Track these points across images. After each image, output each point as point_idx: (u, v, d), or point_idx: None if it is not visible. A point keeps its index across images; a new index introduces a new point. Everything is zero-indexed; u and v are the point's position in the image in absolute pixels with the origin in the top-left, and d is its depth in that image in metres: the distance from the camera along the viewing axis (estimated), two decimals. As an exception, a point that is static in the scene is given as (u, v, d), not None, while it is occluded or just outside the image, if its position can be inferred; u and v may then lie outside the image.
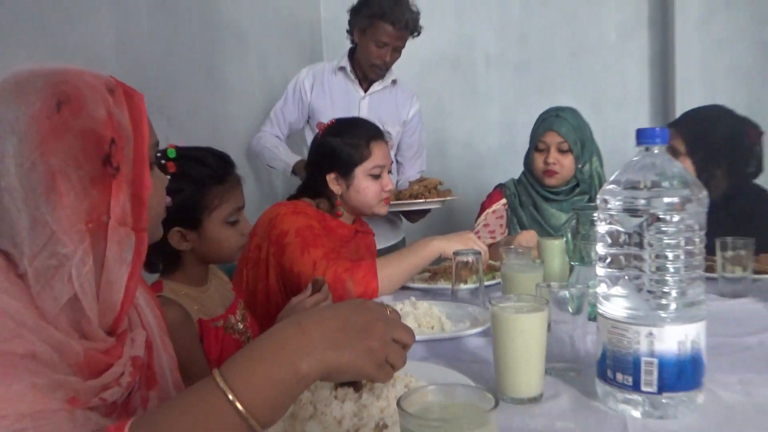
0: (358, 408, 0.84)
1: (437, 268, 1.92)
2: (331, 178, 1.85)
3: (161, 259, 1.45)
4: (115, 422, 0.77)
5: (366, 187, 1.86)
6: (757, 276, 1.61)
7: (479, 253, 1.55)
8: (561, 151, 2.13)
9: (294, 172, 2.60)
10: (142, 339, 0.91)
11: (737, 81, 3.39)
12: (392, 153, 2.61)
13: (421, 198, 2.34)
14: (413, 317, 1.34)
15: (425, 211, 2.47)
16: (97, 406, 0.76)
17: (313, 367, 0.70)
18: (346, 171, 1.84)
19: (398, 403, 0.59)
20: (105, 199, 0.75)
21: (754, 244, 1.54)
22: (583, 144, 2.14)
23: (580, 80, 3.67)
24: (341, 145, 1.84)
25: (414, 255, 1.70)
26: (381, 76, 2.66)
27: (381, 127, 1.98)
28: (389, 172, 1.94)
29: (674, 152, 2.01)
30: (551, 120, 2.14)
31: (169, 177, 1.36)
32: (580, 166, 2.15)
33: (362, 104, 2.68)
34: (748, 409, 0.89)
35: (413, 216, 2.52)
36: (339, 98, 2.66)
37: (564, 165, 2.14)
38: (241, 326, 1.54)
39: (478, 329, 1.29)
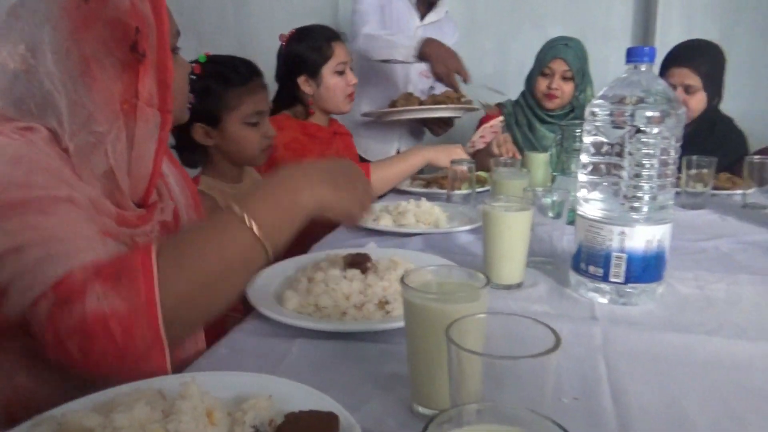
0: (363, 286, 0.84)
1: (431, 177, 1.88)
2: (302, 80, 1.80)
3: (189, 151, 1.42)
4: None
5: (335, 84, 1.82)
6: (715, 191, 1.59)
7: (473, 162, 1.53)
8: (564, 78, 2.07)
9: (422, 57, 2.12)
10: (170, 208, 0.91)
11: (712, 18, 3.24)
12: (429, 80, 2.38)
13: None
14: (413, 214, 1.33)
15: (448, 124, 2.28)
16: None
17: (311, 199, 0.74)
18: (314, 72, 1.79)
19: (401, 280, 0.58)
20: (134, 83, 0.74)
21: (716, 164, 1.51)
22: (583, 74, 2.08)
23: (568, 12, 3.50)
24: (306, 49, 1.79)
25: (404, 161, 1.67)
26: None
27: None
28: (351, 69, 1.87)
29: (687, 89, 1.92)
30: (560, 48, 2.06)
31: (193, 75, 1.32)
32: (577, 93, 2.10)
33: (417, 33, 2.36)
34: (700, 300, 0.89)
35: (436, 128, 2.33)
36: (398, 24, 2.35)
37: (565, 91, 2.08)
38: None
39: (468, 227, 1.28)
